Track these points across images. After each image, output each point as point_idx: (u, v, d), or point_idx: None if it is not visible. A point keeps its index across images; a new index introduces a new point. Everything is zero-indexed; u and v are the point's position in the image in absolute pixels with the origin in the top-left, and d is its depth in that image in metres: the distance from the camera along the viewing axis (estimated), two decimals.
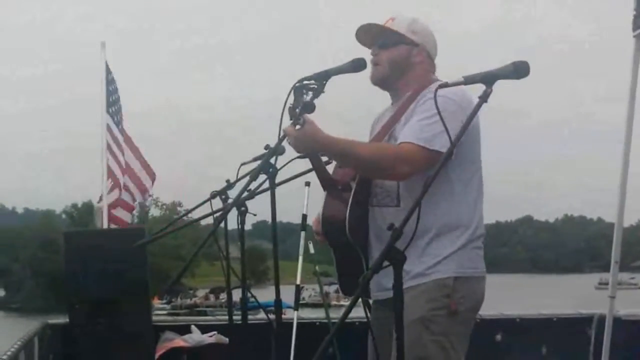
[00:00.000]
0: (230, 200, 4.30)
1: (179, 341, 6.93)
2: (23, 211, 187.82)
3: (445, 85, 3.33)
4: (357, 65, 3.93)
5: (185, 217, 5.94)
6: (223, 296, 59.14)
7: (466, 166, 3.96)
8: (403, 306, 2.98)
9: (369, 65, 4.06)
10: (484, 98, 3.13)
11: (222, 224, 4.20)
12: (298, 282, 7.72)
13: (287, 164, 4.17)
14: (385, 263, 2.92)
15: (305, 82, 3.82)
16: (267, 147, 3.99)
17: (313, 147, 3.86)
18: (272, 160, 3.86)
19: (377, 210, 4.07)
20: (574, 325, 7.32)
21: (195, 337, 6.99)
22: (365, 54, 4.17)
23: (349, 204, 3.99)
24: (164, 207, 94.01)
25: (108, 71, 9.50)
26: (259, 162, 4.03)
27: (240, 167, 4.26)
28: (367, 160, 3.87)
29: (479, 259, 4.05)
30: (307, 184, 6.98)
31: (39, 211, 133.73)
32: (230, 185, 4.43)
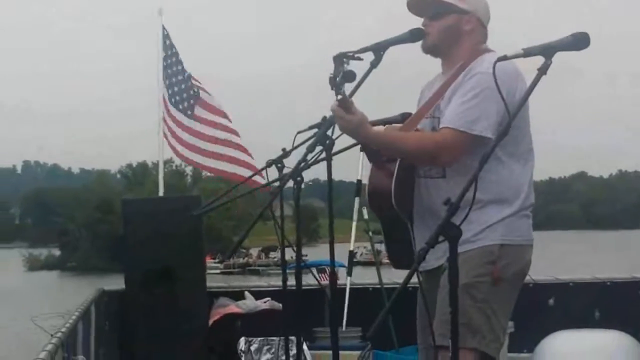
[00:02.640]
0: (286, 169, 4.31)
1: (233, 307, 7.01)
2: (79, 171, 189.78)
3: (504, 58, 3.28)
4: (415, 35, 3.93)
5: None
6: (274, 254, 59.63)
7: (515, 137, 3.94)
8: (458, 281, 2.97)
9: None
10: (543, 70, 3.07)
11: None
12: (351, 247, 7.76)
13: (340, 136, 4.17)
14: (441, 238, 2.91)
15: (351, 53, 3.81)
16: (324, 118, 3.99)
17: (356, 138, 3.90)
18: (329, 132, 3.85)
19: (423, 181, 4.06)
20: (628, 289, 7.27)
21: (249, 303, 7.07)
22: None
23: (394, 175, 4.01)
24: None
25: (166, 37, 9.39)
26: (314, 130, 4.04)
27: (296, 135, 4.25)
28: (409, 153, 3.92)
29: (526, 228, 4.03)
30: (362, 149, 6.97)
31: (94, 171, 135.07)
32: (286, 153, 4.43)
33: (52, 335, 4.32)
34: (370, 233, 8.05)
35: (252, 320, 6.94)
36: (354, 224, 7.83)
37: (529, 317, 6.59)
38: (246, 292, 7.24)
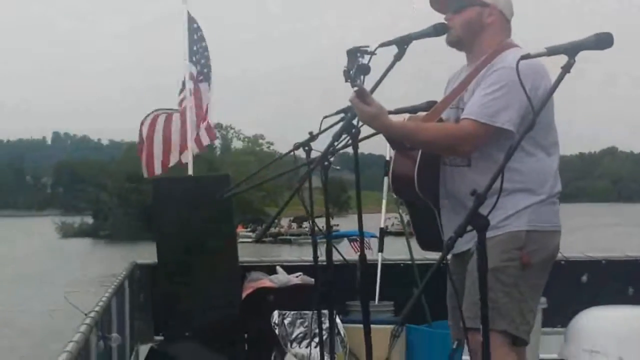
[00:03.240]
0: (312, 153, 4.34)
1: (266, 281, 7.04)
2: (108, 143, 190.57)
3: (528, 56, 3.29)
4: (438, 29, 3.95)
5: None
6: (306, 224, 59.81)
7: (540, 130, 3.94)
8: (486, 268, 2.99)
9: None
10: (566, 69, 3.09)
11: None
12: (382, 224, 7.77)
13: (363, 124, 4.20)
14: (469, 227, 2.93)
15: (364, 47, 3.84)
16: (346, 109, 4.02)
17: (375, 128, 3.92)
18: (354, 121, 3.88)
19: (449, 169, 4.09)
20: None
21: (282, 277, 7.10)
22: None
23: (417, 162, 4.04)
24: (246, 139, 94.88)
25: (191, 21, 9.47)
26: (341, 115, 4.06)
27: (322, 119, 4.27)
28: (429, 144, 3.96)
29: (553, 214, 4.05)
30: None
31: (123, 143, 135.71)
32: (313, 137, 4.46)
33: (85, 314, 4.35)
34: (400, 210, 8.05)
35: (285, 294, 6.98)
36: (384, 201, 7.86)
37: (563, 294, 6.61)
38: (278, 267, 7.28)
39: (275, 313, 6.79)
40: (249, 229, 63.64)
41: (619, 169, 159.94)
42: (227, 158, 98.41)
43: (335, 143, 3.84)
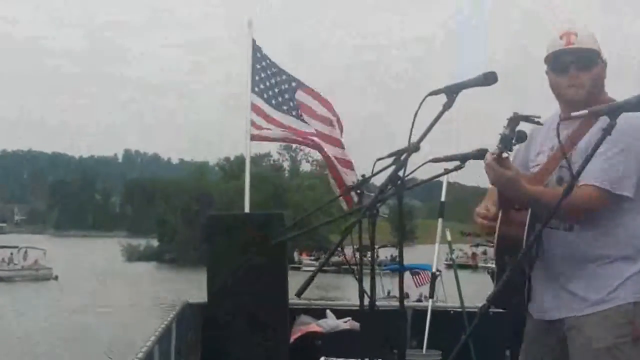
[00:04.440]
0: (365, 195, 4.38)
1: (314, 326, 7.07)
2: (178, 162, 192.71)
3: (569, 117, 3.31)
4: (489, 79, 3.88)
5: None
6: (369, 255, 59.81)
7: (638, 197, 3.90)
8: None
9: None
10: (608, 131, 3.09)
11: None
12: (434, 269, 7.77)
13: (414, 170, 4.21)
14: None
15: (525, 115, 3.83)
16: (396, 152, 4.04)
17: (506, 191, 3.86)
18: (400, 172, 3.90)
19: (552, 232, 3.94)
20: None
21: (330, 322, 7.12)
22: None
23: (527, 224, 3.92)
24: (315, 162, 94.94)
25: (256, 49, 9.53)
26: (393, 157, 4.08)
27: (375, 162, 4.30)
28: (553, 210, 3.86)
29: None
30: (453, 170, 6.99)
31: (193, 162, 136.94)
32: (365, 180, 4.51)
33: None
34: (451, 255, 8.05)
35: (333, 339, 6.99)
36: (437, 244, 7.84)
37: None
38: (327, 311, 7.29)
39: (322, 359, 6.79)
40: (312, 257, 63.71)
41: None
42: (295, 181, 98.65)
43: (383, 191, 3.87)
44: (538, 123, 3.82)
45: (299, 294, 3.98)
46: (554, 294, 3.89)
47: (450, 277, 8.04)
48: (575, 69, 3.97)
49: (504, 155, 3.74)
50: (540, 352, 4.04)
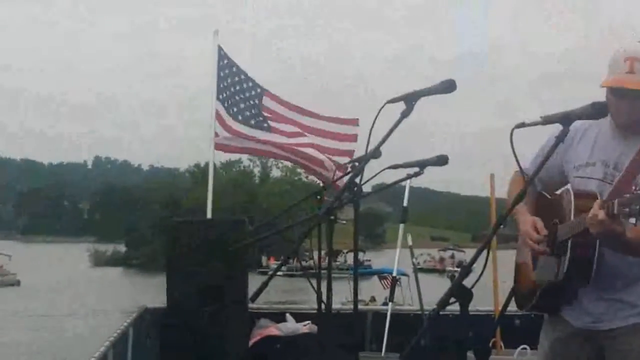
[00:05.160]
0: (326, 202, 4.43)
1: (273, 329, 7.08)
2: (148, 168, 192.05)
3: (522, 125, 3.33)
4: (447, 87, 3.90)
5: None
6: (339, 259, 59.80)
7: None
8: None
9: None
10: (560, 138, 3.16)
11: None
12: (394, 274, 7.82)
13: (372, 178, 4.27)
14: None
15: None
16: (357, 159, 4.10)
17: (614, 244, 3.78)
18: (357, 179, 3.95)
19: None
20: None
21: (290, 325, 7.14)
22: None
23: (597, 248, 3.85)
24: (285, 168, 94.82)
25: (221, 58, 9.52)
26: (356, 164, 4.14)
27: (336, 169, 4.36)
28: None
29: None
30: (412, 176, 7.03)
31: (163, 169, 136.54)
32: (325, 187, 4.56)
33: None
34: (412, 259, 8.09)
35: (292, 343, 7.00)
36: (398, 249, 7.90)
37: None
38: (287, 315, 7.31)
39: None
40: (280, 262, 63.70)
41: None
42: (265, 187, 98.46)
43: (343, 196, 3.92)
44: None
45: (252, 299, 4.01)
46: (605, 305, 3.92)
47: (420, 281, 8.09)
48: (634, 99, 3.90)
49: (631, 220, 3.54)
50: (571, 356, 4.07)
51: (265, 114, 9.62)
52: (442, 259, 79.87)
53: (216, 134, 9.19)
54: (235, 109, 9.56)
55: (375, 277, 36.02)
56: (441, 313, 3.04)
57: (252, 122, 9.56)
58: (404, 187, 7.52)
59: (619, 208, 3.50)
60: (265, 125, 9.54)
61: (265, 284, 3.82)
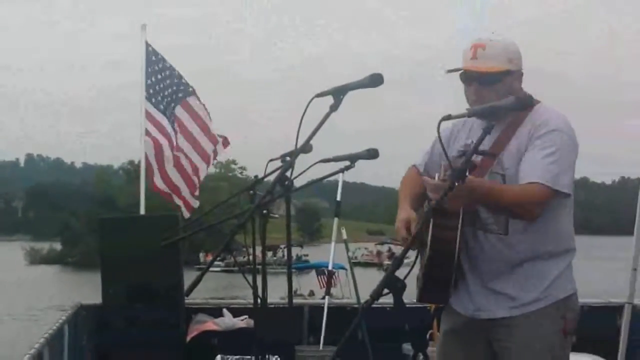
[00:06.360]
0: (257, 195, 4.43)
1: (211, 324, 7.08)
2: (81, 166, 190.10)
3: (449, 117, 3.42)
4: (375, 80, 3.89)
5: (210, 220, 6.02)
6: (278, 253, 59.86)
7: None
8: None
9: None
10: (487, 131, 3.24)
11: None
12: (330, 267, 7.84)
13: (302, 172, 4.26)
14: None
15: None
16: (289, 153, 4.09)
17: (478, 196, 3.80)
18: (290, 165, 3.95)
19: (481, 234, 4.03)
20: (604, 313, 7.39)
21: (227, 320, 7.14)
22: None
23: (458, 229, 3.91)
24: (219, 164, 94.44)
25: (150, 54, 9.46)
26: (287, 158, 4.13)
27: (268, 163, 4.36)
28: (505, 207, 3.86)
29: (572, 274, 4.10)
30: (343, 170, 7.04)
31: (96, 166, 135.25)
32: (258, 180, 4.55)
33: None
34: (347, 253, 8.13)
35: (229, 337, 7.01)
36: (333, 243, 7.93)
37: None
38: (224, 310, 7.31)
39: (218, 357, 6.82)
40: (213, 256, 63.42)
41: (588, 201, 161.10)
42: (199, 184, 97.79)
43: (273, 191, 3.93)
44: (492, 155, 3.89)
45: (187, 294, 4.01)
46: (486, 294, 3.98)
47: (356, 275, 8.13)
48: (478, 85, 4.04)
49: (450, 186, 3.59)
50: (461, 346, 4.13)
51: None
52: (379, 253, 79.95)
53: (147, 131, 9.19)
54: (162, 106, 9.56)
55: (313, 272, 36.20)
56: (378, 306, 3.08)
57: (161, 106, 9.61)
58: (346, 182, 7.57)
59: (444, 173, 3.75)
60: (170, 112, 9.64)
61: (199, 278, 3.82)
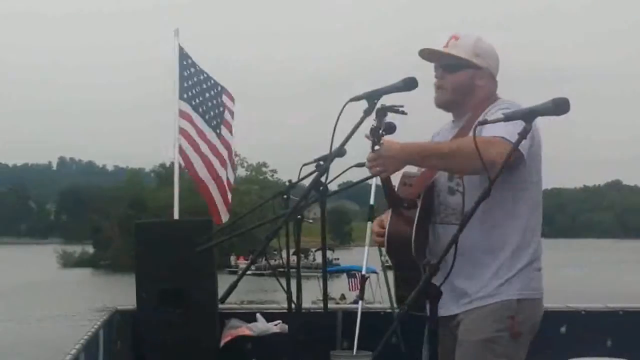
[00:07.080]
0: (292, 201, 4.42)
1: (244, 329, 7.05)
2: (113, 169, 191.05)
3: (485, 122, 3.37)
4: (408, 84, 3.89)
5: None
6: (310, 256, 59.86)
7: (527, 186, 3.98)
8: (437, 339, 3.06)
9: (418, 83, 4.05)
10: (523, 135, 3.15)
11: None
12: (363, 271, 7.80)
13: (337, 176, 4.26)
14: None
15: (396, 107, 3.86)
16: (323, 157, 4.08)
17: (401, 158, 3.86)
18: (326, 168, 3.94)
19: (440, 227, 4.08)
20: None
21: (261, 325, 7.11)
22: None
23: (415, 222, 4.01)
24: (250, 167, 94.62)
25: (183, 57, 9.54)
26: (321, 163, 4.12)
27: (302, 167, 4.34)
28: (452, 153, 3.81)
29: (539, 280, 4.07)
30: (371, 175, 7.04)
31: (128, 169, 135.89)
32: (292, 185, 4.55)
33: None
34: (380, 257, 8.09)
35: (263, 342, 6.99)
36: (366, 248, 7.89)
37: (541, 345, 6.58)
38: (258, 314, 7.28)
39: None
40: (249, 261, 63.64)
41: (623, 203, 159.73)
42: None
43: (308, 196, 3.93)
44: (402, 112, 3.86)
45: (222, 300, 4.01)
46: (447, 290, 3.88)
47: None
48: (442, 71, 4.12)
49: (376, 147, 3.82)
50: (440, 344, 4.12)
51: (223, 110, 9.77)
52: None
53: (182, 131, 9.25)
54: (201, 109, 9.63)
55: (344, 276, 36.14)
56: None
57: (214, 123, 9.69)
58: (371, 185, 7.52)
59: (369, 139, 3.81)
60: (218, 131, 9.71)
61: (234, 285, 3.80)
